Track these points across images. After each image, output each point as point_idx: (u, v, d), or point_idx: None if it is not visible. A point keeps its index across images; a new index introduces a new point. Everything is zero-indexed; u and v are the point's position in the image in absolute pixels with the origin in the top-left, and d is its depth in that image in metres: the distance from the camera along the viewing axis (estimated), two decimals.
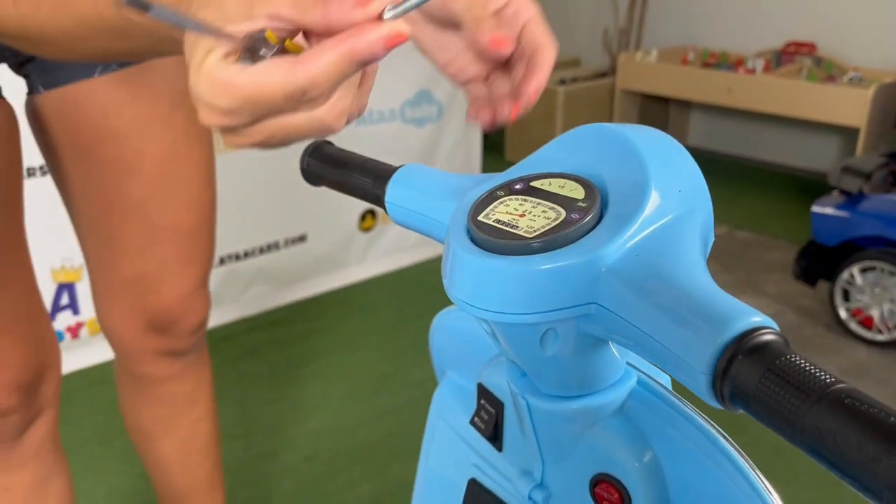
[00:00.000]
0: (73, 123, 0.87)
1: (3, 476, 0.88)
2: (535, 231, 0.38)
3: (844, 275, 2.03)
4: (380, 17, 0.36)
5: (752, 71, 3.13)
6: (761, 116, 3.42)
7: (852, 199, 2.02)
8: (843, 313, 2.07)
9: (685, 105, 3.72)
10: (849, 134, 3.18)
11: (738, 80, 3.10)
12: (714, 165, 3.61)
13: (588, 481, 0.44)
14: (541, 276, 0.36)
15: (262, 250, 2.13)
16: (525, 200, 0.41)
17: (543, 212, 0.39)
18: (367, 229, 2.34)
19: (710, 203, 0.40)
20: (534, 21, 0.56)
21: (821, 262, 2.09)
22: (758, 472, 0.40)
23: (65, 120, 0.87)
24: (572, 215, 0.38)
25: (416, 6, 0.37)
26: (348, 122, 0.40)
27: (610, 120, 3.54)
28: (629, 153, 0.39)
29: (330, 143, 0.57)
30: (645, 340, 0.34)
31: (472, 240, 0.39)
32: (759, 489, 0.39)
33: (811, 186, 3.22)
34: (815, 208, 2.05)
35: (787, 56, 3.25)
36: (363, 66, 0.37)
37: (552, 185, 0.41)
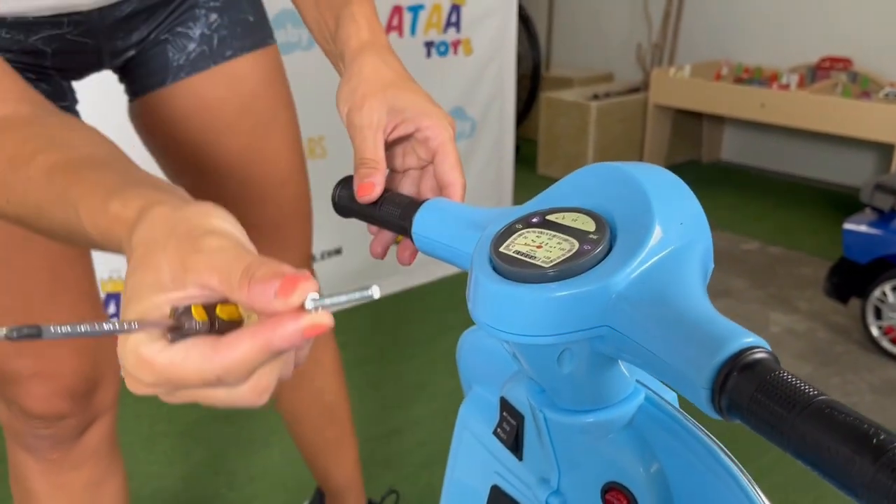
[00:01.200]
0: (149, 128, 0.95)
1: (60, 475, 0.94)
2: (551, 261, 0.42)
3: (876, 292, 2.03)
4: (301, 307, 0.36)
5: (787, 86, 3.13)
6: (795, 132, 3.41)
7: (885, 217, 2.02)
8: (874, 331, 2.06)
9: (718, 120, 3.73)
10: (883, 150, 3.16)
11: (772, 96, 3.10)
12: (747, 180, 3.61)
13: (599, 489, 0.48)
14: (557, 302, 0.40)
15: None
16: (541, 233, 0.45)
17: (558, 243, 0.43)
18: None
19: (709, 234, 0.44)
20: (442, 152, 0.59)
21: (853, 280, 2.09)
22: (755, 486, 0.44)
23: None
24: (585, 246, 0.42)
25: (340, 305, 0.36)
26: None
27: (643, 135, 3.56)
28: (635, 190, 0.43)
29: None
30: (651, 359, 0.38)
31: (495, 269, 0.44)
32: (755, 500, 0.43)
33: (845, 202, 3.20)
34: (848, 225, 2.06)
35: (822, 71, 3.24)
36: (280, 354, 0.37)
37: (566, 219, 0.45)
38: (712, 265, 0.45)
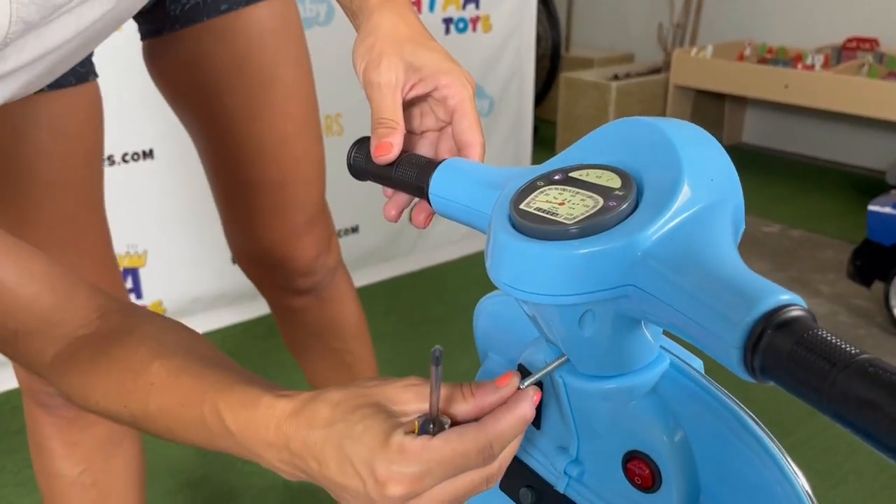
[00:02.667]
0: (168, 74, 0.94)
1: (74, 433, 0.94)
2: (574, 218, 0.40)
3: None
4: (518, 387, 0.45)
5: (811, 67, 3.07)
6: (819, 113, 3.35)
7: None
8: None
9: (741, 101, 3.67)
10: None
11: (797, 77, 3.04)
12: (769, 163, 3.56)
13: (621, 457, 0.46)
14: (580, 260, 0.39)
15: None
16: (564, 190, 0.43)
17: (582, 200, 0.42)
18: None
19: (740, 192, 0.42)
20: (461, 111, 0.57)
21: (876, 262, 2.05)
22: (785, 454, 0.42)
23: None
24: (610, 203, 0.40)
25: (542, 376, 0.46)
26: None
27: (663, 116, 3.50)
28: (663, 145, 0.41)
29: None
30: (679, 319, 0.36)
31: (514, 226, 0.42)
32: (786, 470, 0.41)
33: (869, 185, 3.15)
34: (872, 207, 2.02)
35: (847, 52, 3.17)
36: (525, 426, 0.45)
37: (590, 176, 0.43)
38: (743, 225, 0.43)
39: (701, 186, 0.40)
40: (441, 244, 2.46)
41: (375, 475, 0.42)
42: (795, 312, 0.32)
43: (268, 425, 0.46)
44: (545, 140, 3.55)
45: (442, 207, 0.53)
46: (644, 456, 0.45)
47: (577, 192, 0.42)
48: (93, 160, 0.88)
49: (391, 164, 0.57)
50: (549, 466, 0.51)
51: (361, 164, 0.59)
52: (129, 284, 1.90)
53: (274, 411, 0.46)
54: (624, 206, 0.40)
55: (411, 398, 0.46)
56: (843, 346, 0.30)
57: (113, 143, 1.76)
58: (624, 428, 0.46)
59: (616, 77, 3.49)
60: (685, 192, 0.39)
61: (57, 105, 0.81)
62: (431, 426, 0.43)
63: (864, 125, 3.30)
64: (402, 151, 0.57)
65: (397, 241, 2.34)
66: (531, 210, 0.42)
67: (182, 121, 0.98)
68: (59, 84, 0.79)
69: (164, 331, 0.55)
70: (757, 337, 0.32)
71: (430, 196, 0.54)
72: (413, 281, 2.36)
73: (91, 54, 0.85)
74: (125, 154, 1.80)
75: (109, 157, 1.77)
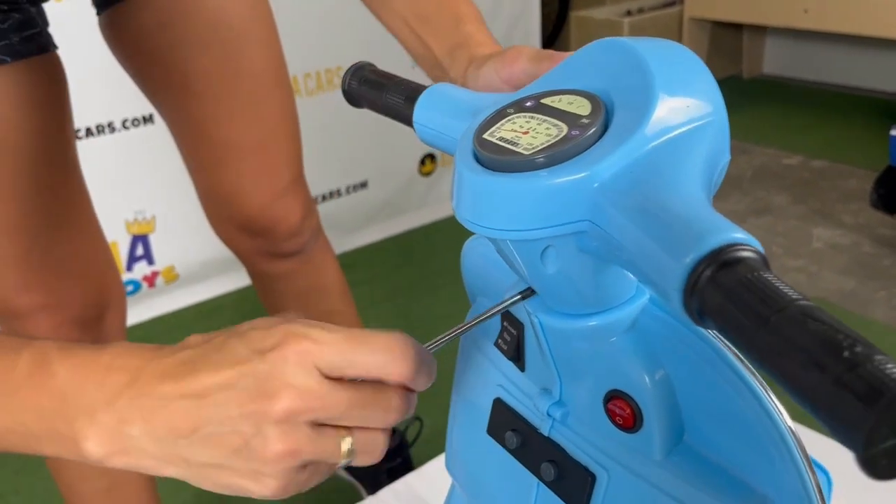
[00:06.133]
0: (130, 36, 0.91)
1: None
2: (533, 148, 0.38)
3: None
4: None
5: None
6: (841, 38, 3.23)
7: None
8: None
9: (759, 31, 3.55)
10: None
11: (816, 0, 2.93)
12: (790, 94, 3.45)
13: (602, 398, 0.44)
14: (532, 193, 0.36)
15: (324, 198, 2.17)
16: (532, 118, 0.40)
17: (546, 129, 0.39)
18: (426, 174, 2.35)
19: (724, 119, 0.39)
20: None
21: None
22: (769, 391, 0.40)
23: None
24: (573, 132, 0.38)
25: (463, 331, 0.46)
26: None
27: None
28: (636, 67, 0.38)
29: (371, 65, 0.58)
30: (632, 259, 0.34)
31: (475, 157, 0.40)
32: (768, 407, 0.39)
33: (894, 110, 3.05)
34: (895, 132, 1.95)
35: None
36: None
37: (561, 102, 0.41)
38: (727, 156, 0.40)
39: (674, 113, 0.37)
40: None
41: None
42: (743, 253, 0.29)
43: (122, 366, 0.39)
44: None
45: (426, 136, 0.51)
46: (624, 395, 0.43)
47: (544, 121, 0.40)
48: (64, 128, 0.87)
49: (381, 90, 0.54)
50: (533, 409, 0.49)
51: (356, 90, 0.57)
52: (139, 251, 1.91)
53: (127, 350, 0.40)
54: (587, 134, 0.37)
55: None
56: (786, 291, 0.27)
57: (111, 110, 1.75)
58: (603, 367, 0.44)
59: (629, 13, 3.38)
60: (654, 120, 0.36)
61: (21, 74, 0.79)
62: None
63: (889, 47, 3.18)
64: (393, 76, 0.55)
65: (408, 194, 2.32)
66: (493, 140, 0.40)
67: (149, 92, 0.95)
68: (19, 54, 0.78)
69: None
70: (696, 278, 0.29)
71: (415, 125, 0.51)
72: (425, 234, 2.34)
73: (47, 26, 0.83)
74: (125, 120, 1.78)
75: (110, 125, 1.76)
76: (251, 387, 0.36)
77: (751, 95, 3.45)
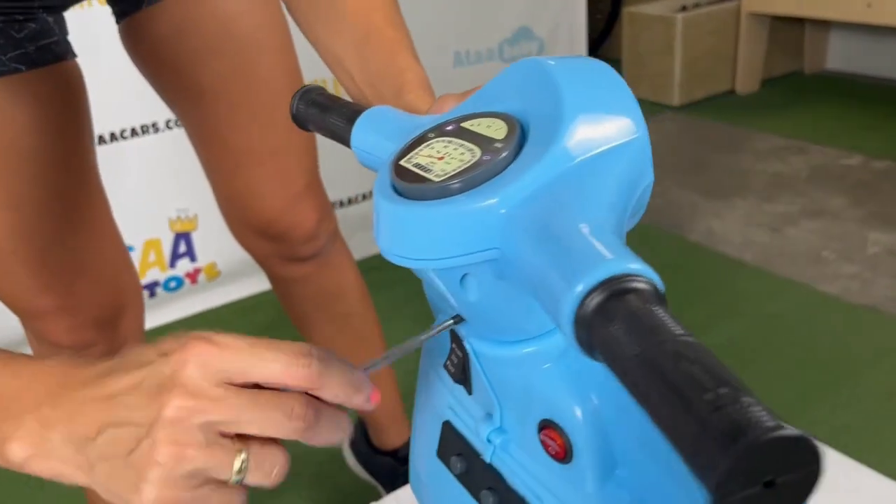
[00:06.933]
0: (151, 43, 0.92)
1: None
2: (444, 174, 0.37)
3: None
4: None
5: None
6: None
7: None
8: None
9: (822, 26, 3.41)
10: None
11: None
12: (854, 90, 3.31)
13: (535, 426, 0.43)
14: (439, 221, 0.35)
15: (350, 201, 2.19)
16: (450, 142, 0.39)
17: (461, 154, 0.38)
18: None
19: (643, 139, 0.37)
20: None
21: None
22: None
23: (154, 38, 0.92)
24: (485, 157, 0.37)
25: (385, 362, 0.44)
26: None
27: (735, 48, 3.30)
28: (549, 88, 0.37)
29: (321, 88, 0.57)
30: (534, 287, 0.32)
31: (390, 183, 0.39)
32: None
33: None
34: None
35: None
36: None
37: (480, 126, 0.40)
38: (650, 177, 0.38)
39: (587, 135, 0.36)
40: None
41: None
42: (637, 285, 0.28)
43: (51, 373, 0.40)
44: None
45: (365, 161, 0.50)
46: (556, 426, 0.42)
47: (461, 145, 0.39)
48: (80, 134, 0.89)
49: (326, 112, 0.54)
50: (477, 434, 0.48)
51: (303, 113, 0.57)
52: (182, 248, 1.96)
53: (57, 360, 0.41)
54: (498, 159, 0.36)
55: None
56: (669, 327, 0.26)
57: (155, 111, 1.79)
58: (535, 396, 0.43)
59: (684, 8, 3.29)
60: (562, 145, 0.35)
61: (37, 83, 0.82)
62: None
63: None
64: (336, 98, 0.54)
65: None
66: (409, 166, 0.39)
67: (167, 99, 0.97)
68: (35, 63, 0.80)
69: None
70: (586, 307, 0.28)
71: (353, 148, 0.51)
72: None
73: (66, 35, 0.86)
74: (168, 121, 1.83)
75: (154, 125, 1.81)
76: (152, 387, 0.36)
77: (811, 92, 3.32)
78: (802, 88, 3.36)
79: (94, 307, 0.93)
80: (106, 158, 1.90)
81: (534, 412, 0.43)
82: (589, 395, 0.41)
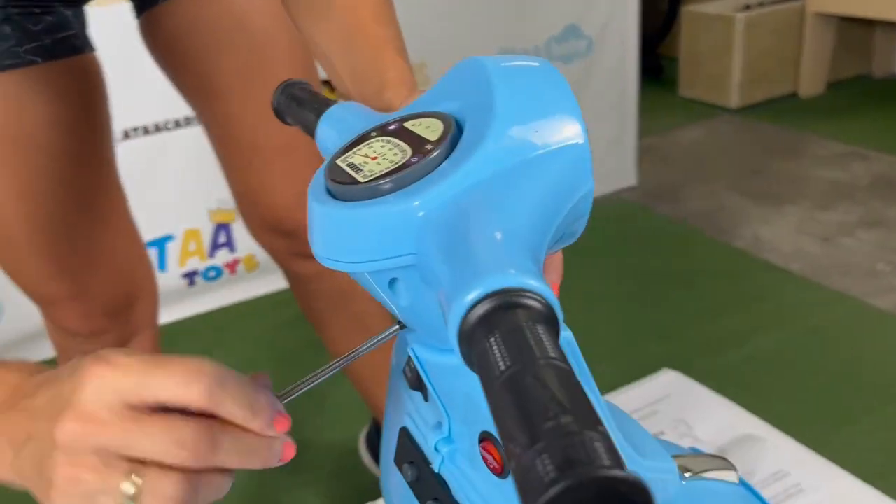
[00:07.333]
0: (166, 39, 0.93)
1: None
2: (371, 175, 0.36)
3: None
4: None
5: None
6: None
7: None
8: None
9: (893, 27, 3.26)
10: None
11: None
12: None
13: (477, 438, 0.42)
14: (358, 224, 0.34)
15: None
16: (388, 142, 0.38)
17: (394, 154, 0.37)
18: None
19: (583, 147, 0.35)
20: None
21: None
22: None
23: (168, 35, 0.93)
24: (413, 158, 0.35)
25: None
26: None
27: (799, 50, 3.18)
28: (485, 90, 0.36)
29: (302, 83, 0.57)
30: (438, 295, 0.31)
31: (323, 183, 0.38)
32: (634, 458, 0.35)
33: None
34: None
35: None
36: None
37: (420, 126, 0.38)
38: (589, 184, 0.36)
39: (516, 140, 0.34)
40: None
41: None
42: (524, 300, 0.26)
43: (4, 381, 0.41)
44: (668, 81, 3.34)
45: (327, 156, 0.49)
46: (494, 439, 0.40)
47: (396, 146, 0.38)
48: (96, 127, 0.91)
49: (302, 106, 0.53)
50: (427, 442, 0.47)
51: (283, 107, 0.56)
52: (222, 238, 2.00)
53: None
54: (425, 161, 0.35)
55: None
56: (544, 347, 0.24)
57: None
58: (476, 406, 0.41)
59: (748, 7, 3.19)
60: (487, 150, 0.34)
61: (55, 75, 0.83)
62: None
63: None
64: (314, 92, 0.54)
65: None
66: (342, 166, 0.38)
67: (183, 94, 0.98)
68: (52, 55, 0.82)
69: None
70: (470, 317, 0.26)
71: (318, 145, 0.50)
72: None
73: (84, 28, 0.87)
74: None
75: (187, 119, 1.85)
76: (55, 408, 0.36)
77: (879, 97, 3.18)
78: (870, 92, 3.22)
79: (105, 297, 0.95)
80: (149, 149, 1.96)
81: (475, 423, 0.42)
82: None
